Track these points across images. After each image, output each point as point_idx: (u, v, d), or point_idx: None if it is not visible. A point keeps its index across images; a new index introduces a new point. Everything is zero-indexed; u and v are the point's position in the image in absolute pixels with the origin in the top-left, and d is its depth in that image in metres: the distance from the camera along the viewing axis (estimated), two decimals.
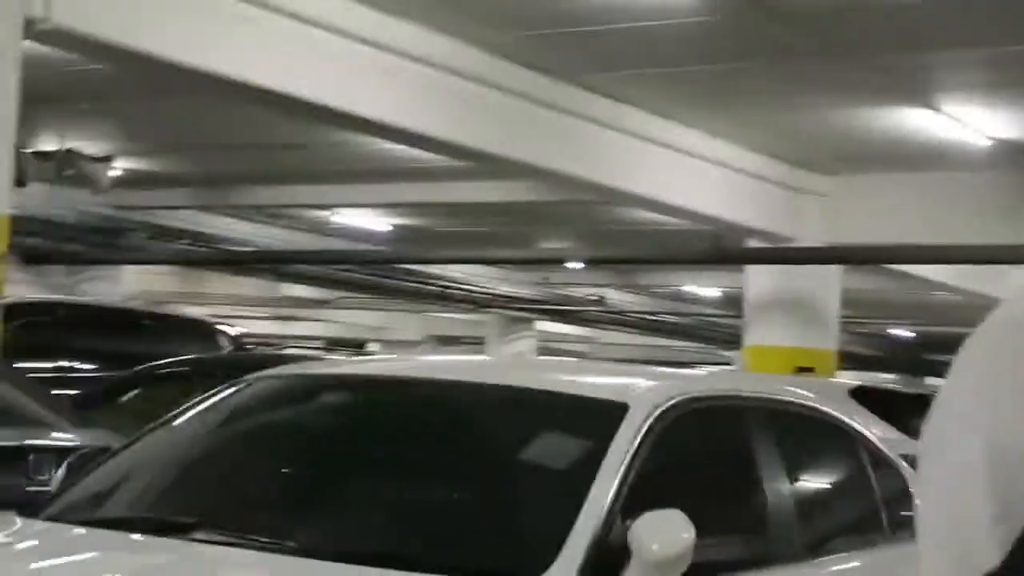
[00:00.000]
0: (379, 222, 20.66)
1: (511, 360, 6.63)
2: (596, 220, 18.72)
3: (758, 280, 14.93)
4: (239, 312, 28.07)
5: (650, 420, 3.79)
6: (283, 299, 27.56)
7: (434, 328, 31.14)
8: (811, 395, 5.03)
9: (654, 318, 27.74)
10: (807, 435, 4.77)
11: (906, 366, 30.77)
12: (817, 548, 4.40)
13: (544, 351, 28.87)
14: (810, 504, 4.45)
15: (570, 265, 21.53)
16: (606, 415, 3.79)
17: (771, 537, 4.15)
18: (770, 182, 14.13)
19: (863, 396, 10.84)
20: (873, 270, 17.53)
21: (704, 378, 4.67)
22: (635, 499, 3.53)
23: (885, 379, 28.36)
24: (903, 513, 4.85)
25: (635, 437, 3.71)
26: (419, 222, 20.52)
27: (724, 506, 4.13)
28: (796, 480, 4.33)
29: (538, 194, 15.34)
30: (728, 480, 4.25)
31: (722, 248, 14.41)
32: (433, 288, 23.07)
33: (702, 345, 29.78)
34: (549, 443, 3.97)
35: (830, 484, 4.88)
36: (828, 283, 14.92)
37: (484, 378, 4.26)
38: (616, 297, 26.90)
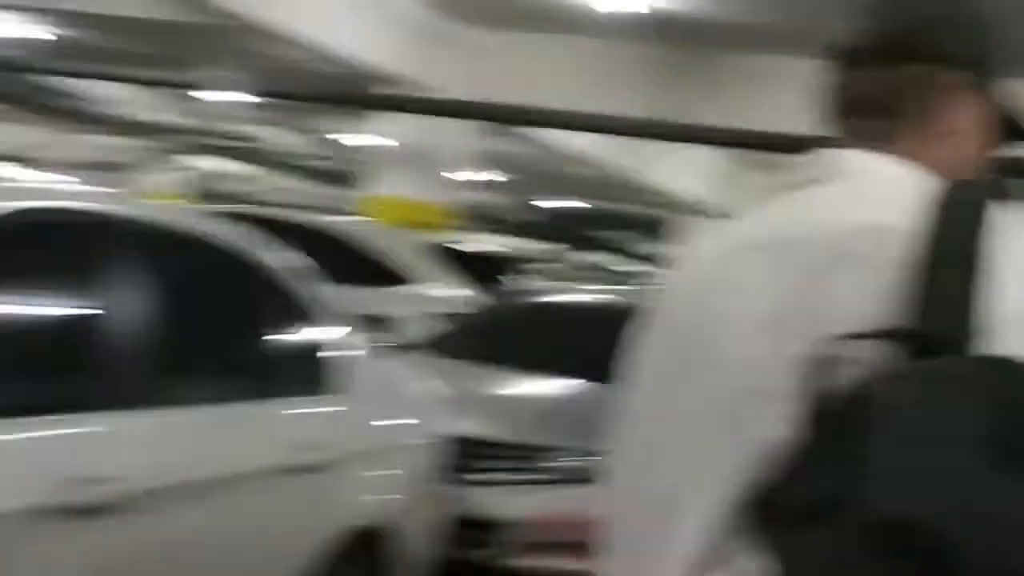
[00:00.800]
0: (17, 28, 19.17)
1: None
2: (247, 52, 17.81)
3: (385, 129, 14.42)
4: None
5: None
6: None
7: (91, 153, 29.51)
8: (212, 225, 4.37)
9: (316, 163, 26.99)
10: (182, 268, 4.08)
11: (567, 237, 31.04)
12: (166, 393, 3.77)
13: (202, 190, 27.75)
14: (161, 344, 3.74)
15: (215, 98, 20.53)
16: None
17: (95, 379, 3.53)
18: (411, 28, 13.55)
19: (448, 253, 10.68)
20: (522, 139, 17.24)
21: (53, 191, 3.94)
22: None
23: (542, 248, 28.53)
24: (306, 368, 4.39)
25: None
26: (58, 32, 19.15)
27: (26, 340, 3.47)
28: (147, 316, 3.66)
29: (180, 15, 14.31)
30: (41, 308, 3.62)
31: (349, 90, 13.79)
32: (68, 106, 21.63)
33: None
34: None
35: (200, 324, 4.10)
36: (454, 140, 14.50)
37: None
38: (278, 138, 26.01)
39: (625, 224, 30.28)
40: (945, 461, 1.17)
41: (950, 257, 1.31)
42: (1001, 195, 1.37)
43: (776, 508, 1.20)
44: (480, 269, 11.05)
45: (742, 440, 1.35)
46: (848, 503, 1.15)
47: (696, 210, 22.31)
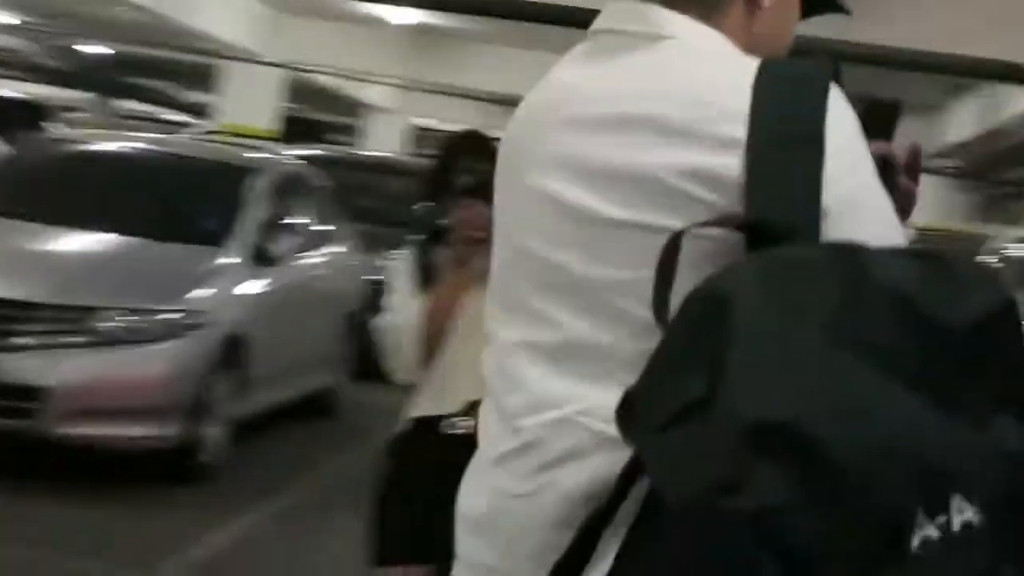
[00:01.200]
0: None
1: None
2: None
3: None
4: None
5: None
6: None
7: None
8: None
9: None
10: None
11: (100, 85, 29.62)
12: None
13: None
14: None
15: None
16: None
17: None
18: None
19: None
20: None
21: None
22: None
23: (77, 95, 27.18)
24: None
25: None
26: None
27: None
28: None
29: None
30: None
31: None
32: None
33: None
34: None
35: None
36: None
37: None
38: None
39: (169, 72, 29.20)
40: (805, 354, 1.15)
41: (783, 138, 1.30)
42: (831, 74, 1.37)
43: (641, 412, 1.20)
44: (7, 117, 10.33)
45: (577, 282, 1.38)
46: (712, 408, 1.15)
47: (241, 57, 21.69)
